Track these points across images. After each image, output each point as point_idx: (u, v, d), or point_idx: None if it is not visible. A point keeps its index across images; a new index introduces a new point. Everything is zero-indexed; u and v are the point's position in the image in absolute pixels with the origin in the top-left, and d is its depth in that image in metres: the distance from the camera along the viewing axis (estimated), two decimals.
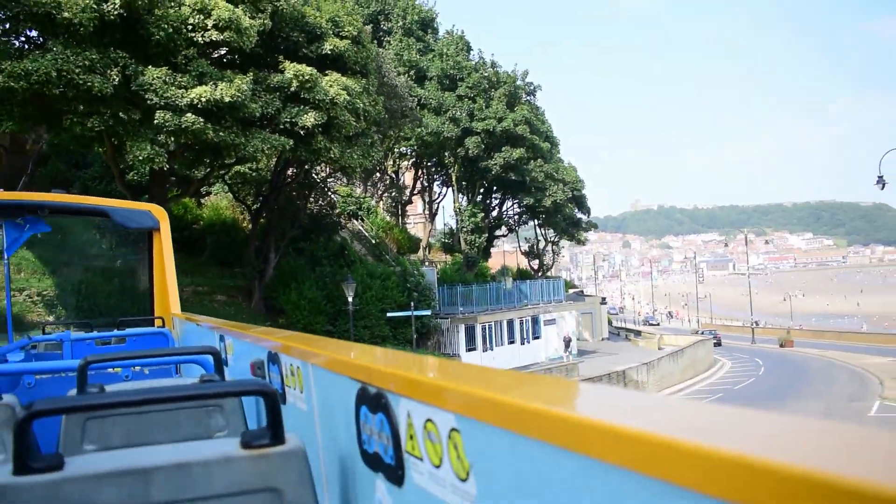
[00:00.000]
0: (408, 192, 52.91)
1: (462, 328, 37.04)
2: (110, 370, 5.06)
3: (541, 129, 46.96)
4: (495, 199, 51.81)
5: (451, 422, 1.39)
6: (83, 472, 1.62)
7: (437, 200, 52.94)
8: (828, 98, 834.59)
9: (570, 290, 57.90)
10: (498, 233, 54.12)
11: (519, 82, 46.70)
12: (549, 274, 57.88)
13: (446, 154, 46.51)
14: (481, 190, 48.74)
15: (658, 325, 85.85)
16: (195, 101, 20.87)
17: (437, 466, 1.47)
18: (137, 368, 5.18)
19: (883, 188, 35.12)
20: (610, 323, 64.35)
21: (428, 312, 34.30)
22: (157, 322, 7.19)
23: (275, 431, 1.78)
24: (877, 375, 35.64)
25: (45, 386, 4.94)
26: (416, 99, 36.70)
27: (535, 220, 54.97)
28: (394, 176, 51.60)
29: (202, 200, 36.14)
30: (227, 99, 21.32)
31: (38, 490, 1.56)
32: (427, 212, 53.02)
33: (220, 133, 21.89)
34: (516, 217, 54.64)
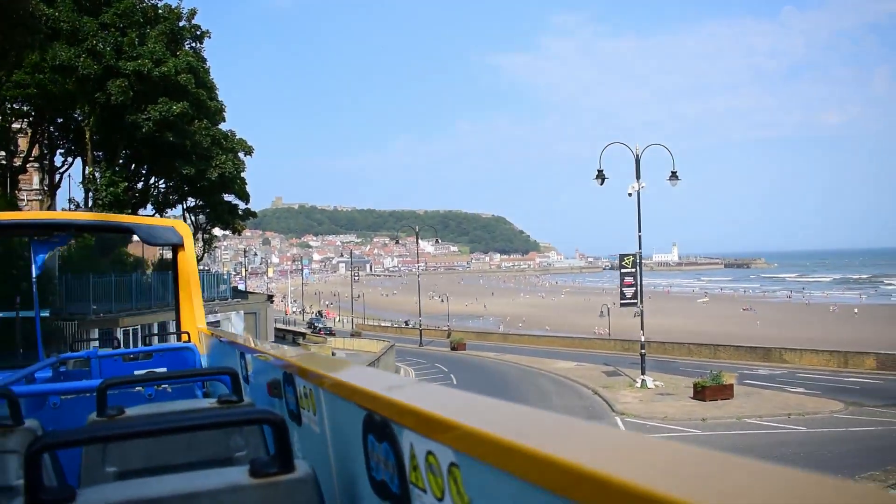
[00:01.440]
0: (21, 159, 40.57)
1: (96, 334, 27.08)
2: (136, 388, 4.92)
3: (208, 84, 37.90)
4: (143, 168, 41.30)
5: (451, 456, 1.34)
6: (94, 503, 1.60)
7: (61, 171, 41.66)
8: (453, 118, 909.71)
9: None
10: (143, 212, 43.59)
11: (184, 23, 37.20)
12: (199, 267, 48.58)
13: (77, 113, 35.56)
14: (124, 153, 38.13)
15: (329, 328, 78.00)
16: None
17: (440, 499, 1.42)
18: (161, 386, 5.07)
19: (602, 183, 33.20)
20: None
21: (45, 313, 24.06)
22: (184, 337, 7.04)
23: (283, 459, 1.74)
24: (585, 384, 34.09)
25: (70, 406, 4.79)
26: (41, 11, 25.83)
27: (186, 202, 45.43)
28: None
29: None
30: None
31: None
32: (46, 185, 42.21)
33: None
34: (164, 194, 44.30)
